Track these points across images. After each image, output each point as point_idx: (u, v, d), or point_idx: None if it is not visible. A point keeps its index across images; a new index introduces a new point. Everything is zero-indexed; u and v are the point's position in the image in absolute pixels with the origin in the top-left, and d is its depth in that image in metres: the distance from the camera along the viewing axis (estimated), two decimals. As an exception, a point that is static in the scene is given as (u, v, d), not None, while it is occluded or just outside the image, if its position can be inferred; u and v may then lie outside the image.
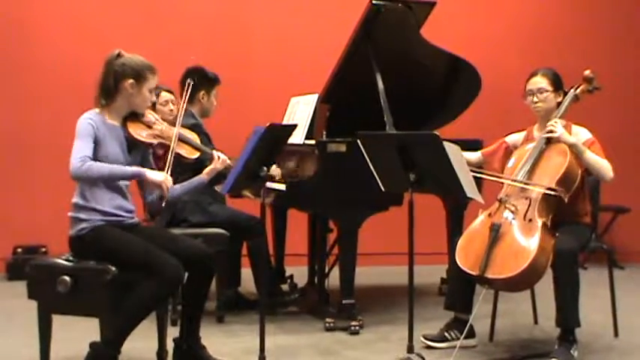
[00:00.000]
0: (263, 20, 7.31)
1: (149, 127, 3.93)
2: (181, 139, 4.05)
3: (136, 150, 3.90)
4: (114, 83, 3.79)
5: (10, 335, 4.73)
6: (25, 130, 6.89)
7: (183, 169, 4.24)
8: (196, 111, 5.23)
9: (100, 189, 3.74)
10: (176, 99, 5.37)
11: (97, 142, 3.70)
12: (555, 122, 4.33)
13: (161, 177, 3.78)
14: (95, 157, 3.67)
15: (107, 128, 3.77)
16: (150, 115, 3.97)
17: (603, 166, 4.27)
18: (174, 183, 4.00)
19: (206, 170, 4.11)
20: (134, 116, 3.90)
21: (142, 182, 3.98)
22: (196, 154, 4.12)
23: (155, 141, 3.92)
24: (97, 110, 3.81)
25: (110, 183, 3.75)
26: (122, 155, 3.81)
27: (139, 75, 3.80)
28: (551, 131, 4.30)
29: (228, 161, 4.16)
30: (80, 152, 3.61)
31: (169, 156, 3.88)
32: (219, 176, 4.70)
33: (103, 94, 3.82)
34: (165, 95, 5.36)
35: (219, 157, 4.13)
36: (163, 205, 3.93)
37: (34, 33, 6.96)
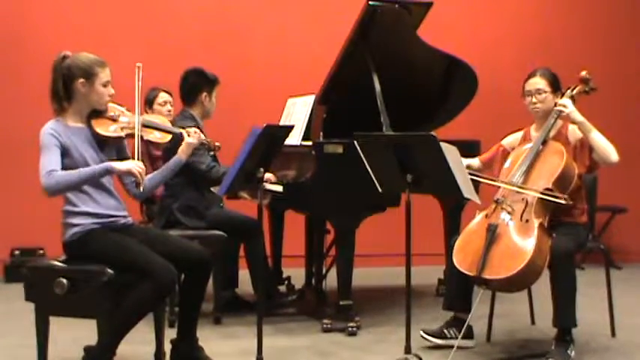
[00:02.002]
0: (260, 21, 7.30)
1: (114, 120, 3.87)
2: (148, 125, 3.97)
3: (108, 146, 3.86)
4: (64, 86, 3.77)
5: (8, 337, 4.72)
6: (22, 131, 6.85)
7: (165, 155, 4.18)
8: (198, 113, 5.21)
9: (86, 192, 3.72)
10: (174, 100, 5.36)
11: (65, 150, 3.67)
12: (567, 99, 4.33)
13: (129, 164, 3.73)
14: (70, 164, 3.65)
15: (72, 132, 3.73)
16: (114, 110, 3.89)
17: (609, 147, 4.25)
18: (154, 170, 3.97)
19: (180, 148, 4.02)
20: (97, 113, 3.84)
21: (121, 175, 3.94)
22: (168, 137, 4.03)
23: (123, 133, 3.86)
24: (57, 118, 3.78)
25: (84, 186, 3.70)
26: (96, 154, 3.77)
27: (88, 73, 3.76)
28: (564, 106, 4.30)
29: (203, 137, 4.10)
30: (45, 167, 3.58)
31: (136, 143, 3.79)
32: (217, 178, 4.71)
33: (55, 99, 3.80)
34: (163, 96, 5.37)
35: (188, 134, 4.04)
36: (142, 190, 3.80)
37: (34, 33, 6.95)
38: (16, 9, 6.97)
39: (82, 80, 3.75)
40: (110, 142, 3.85)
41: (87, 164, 3.70)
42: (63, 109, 3.79)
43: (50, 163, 3.59)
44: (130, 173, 3.72)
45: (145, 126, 3.95)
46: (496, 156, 4.66)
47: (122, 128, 3.86)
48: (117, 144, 3.92)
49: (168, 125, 4.12)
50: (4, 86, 6.91)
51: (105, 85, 3.80)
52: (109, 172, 3.72)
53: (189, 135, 4.04)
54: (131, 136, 3.85)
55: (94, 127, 3.81)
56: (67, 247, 3.76)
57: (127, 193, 3.99)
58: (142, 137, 3.86)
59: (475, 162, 4.71)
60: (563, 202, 4.10)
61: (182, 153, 4.02)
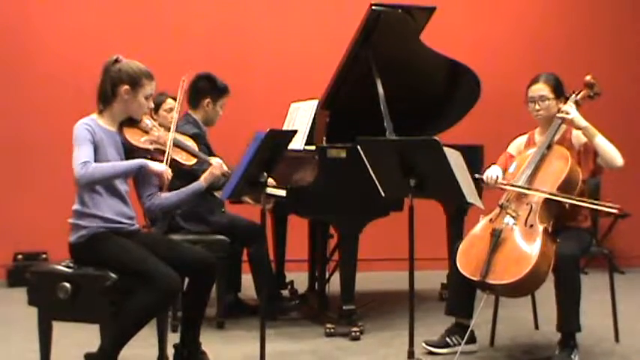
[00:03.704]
0: (263, 26, 7.31)
1: (146, 132, 3.93)
2: (178, 145, 4.04)
3: (133, 156, 3.88)
4: (110, 89, 3.79)
5: (11, 342, 4.72)
6: (26, 136, 6.89)
7: (180, 176, 4.22)
8: (200, 118, 5.21)
9: (100, 195, 3.74)
10: (180, 106, 5.34)
11: (95, 147, 3.69)
12: (570, 105, 4.33)
13: (162, 167, 3.81)
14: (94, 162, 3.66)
15: (104, 133, 3.76)
16: (147, 121, 3.96)
17: (613, 151, 4.25)
18: (169, 190, 4.00)
19: (204, 176, 4.09)
20: (131, 122, 3.90)
21: (140, 185, 3.96)
22: (193, 161, 4.09)
23: (152, 147, 3.91)
24: (94, 116, 3.81)
25: (115, 181, 3.76)
26: (119, 160, 3.80)
27: (135, 81, 3.80)
28: (566, 113, 4.29)
29: (225, 167, 4.15)
30: (81, 158, 3.61)
31: (165, 159, 3.87)
32: (219, 183, 4.70)
33: (101, 99, 3.83)
34: (170, 102, 5.34)
35: (217, 163, 4.12)
36: (161, 194, 3.91)
37: (37, 39, 6.96)
38: (19, 15, 6.98)
39: (127, 87, 3.78)
40: (136, 152, 3.88)
41: None
42: (101, 111, 3.83)
43: (85, 154, 3.63)
44: (160, 176, 3.81)
45: (176, 145, 4.01)
46: (506, 165, 4.58)
47: (151, 142, 3.91)
48: (142, 156, 3.92)
49: (196, 149, 4.17)
50: (7, 91, 6.92)
51: (147, 98, 3.86)
52: (142, 168, 3.78)
53: (216, 164, 4.12)
54: (158, 151, 3.92)
55: (125, 134, 3.87)
56: (72, 248, 3.77)
57: (142, 205, 4.02)
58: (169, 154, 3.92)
59: (500, 174, 4.46)
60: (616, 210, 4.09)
61: (204, 180, 4.08)
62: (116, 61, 3.84)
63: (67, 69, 6.91)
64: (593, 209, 4.23)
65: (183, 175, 4.19)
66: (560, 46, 7.61)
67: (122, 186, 3.83)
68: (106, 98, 3.81)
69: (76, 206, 3.76)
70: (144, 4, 7.19)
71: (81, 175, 3.59)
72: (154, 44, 6.92)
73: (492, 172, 4.39)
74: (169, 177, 3.83)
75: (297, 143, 4.92)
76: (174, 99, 5.51)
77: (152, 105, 3.95)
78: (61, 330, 3.79)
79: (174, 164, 3.96)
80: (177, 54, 6.91)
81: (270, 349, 3.91)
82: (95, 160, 3.66)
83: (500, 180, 4.36)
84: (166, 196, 3.99)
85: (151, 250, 3.72)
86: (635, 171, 6.53)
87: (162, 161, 3.89)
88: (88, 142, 3.67)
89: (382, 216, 4.91)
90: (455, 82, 5.67)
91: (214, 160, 4.16)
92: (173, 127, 4.02)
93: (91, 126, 3.72)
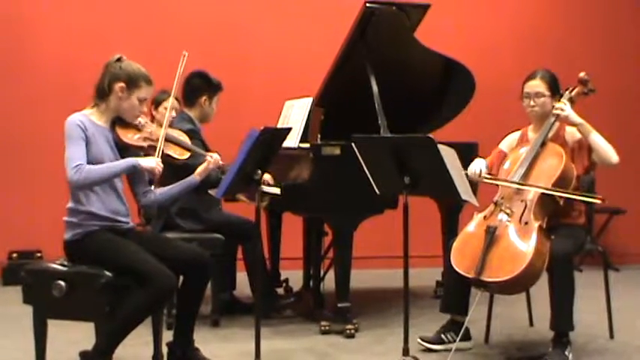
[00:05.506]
0: (257, 23, 7.30)
1: (138, 130, 3.91)
2: (170, 140, 4.04)
3: (126, 154, 3.88)
4: (107, 84, 3.79)
5: (6, 340, 4.71)
6: (19, 134, 6.88)
7: (175, 171, 4.22)
8: (196, 116, 5.21)
9: (95, 192, 3.73)
10: (180, 106, 5.34)
11: (87, 143, 3.68)
12: (565, 102, 4.33)
13: (153, 163, 3.79)
14: (88, 159, 3.65)
15: (96, 129, 3.75)
16: (139, 118, 3.94)
17: (609, 148, 4.24)
18: (164, 185, 3.99)
19: (198, 170, 4.07)
20: (123, 120, 3.88)
21: (134, 183, 3.96)
22: (187, 155, 4.08)
23: (145, 144, 3.90)
24: (87, 111, 3.80)
25: (110, 181, 3.74)
26: (113, 157, 3.80)
27: (132, 81, 3.78)
28: (561, 109, 4.30)
29: (221, 162, 4.14)
30: (74, 160, 3.60)
31: (157, 153, 3.86)
32: (215, 180, 4.70)
33: (97, 94, 3.83)
34: (172, 101, 5.34)
35: (212, 157, 4.10)
36: (153, 188, 3.92)
37: (31, 35, 6.95)
38: (13, 13, 6.96)
39: (122, 85, 3.77)
40: (130, 150, 3.88)
41: (102, 163, 3.72)
42: (95, 105, 3.82)
43: (77, 156, 3.62)
44: (151, 171, 3.79)
45: (168, 140, 4.00)
46: (497, 162, 4.59)
47: (145, 139, 3.91)
48: (135, 153, 3.91)
49: (189, 143, 4.16)
50: (2, 89, 6.90)
51: (141, 101, 3.84)
52: (135, 168, 3.77)
53: (211, 158, 4.09)
54: (152, 148, 3.91)
55: (118, 132, 3.85)
56: (67, 246, 3.76)
57: (137, 203, 4.01)
58: (162, 150, 3.90)
59: (484, 167, 4.54)
60: (599, 201, 4.11)
61: (198, 174, 4.06)
62: (119, 59, 3.84)
63: (64, 66, 6.91)
64: (579, 201, 4.22)
65: (177, 170, 4.18)
66: (554, 43, 7.61)
67: (118, 183, 3.83)
68: (101, 93, 3.81)
69: (70, 204, 3.75)
70: (140, 1, 7.18)
71: (74, 180, 3.59)
72: (149, 41, 6.92)
73: (475, 167, 4.42)
74: (160, 170, 3.81)
75: (292, 141, 4.92)
76: (176, 99, 5.53)
77: (145, 109, 3.93)
78: (56, 328, 3.79)
79: (167, 159, 3.96)
80: (173, 51, 6.88)
81: (265, 346, 3.91)
82: (88, 157, 3.66)
83: (484, 174, 4.38)
84: (161, 192, 3.99)
85: (145, 248, 3.72)
86: (630, 168, 6.53)
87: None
88: (80, 140, 3.65)
89: (377, 213, 4.91)
90: (449, 80, 5.67)
91: (213, 156, 4.14)
92: (165, 124, 3.99)
93: (83, 122, 3.71)
